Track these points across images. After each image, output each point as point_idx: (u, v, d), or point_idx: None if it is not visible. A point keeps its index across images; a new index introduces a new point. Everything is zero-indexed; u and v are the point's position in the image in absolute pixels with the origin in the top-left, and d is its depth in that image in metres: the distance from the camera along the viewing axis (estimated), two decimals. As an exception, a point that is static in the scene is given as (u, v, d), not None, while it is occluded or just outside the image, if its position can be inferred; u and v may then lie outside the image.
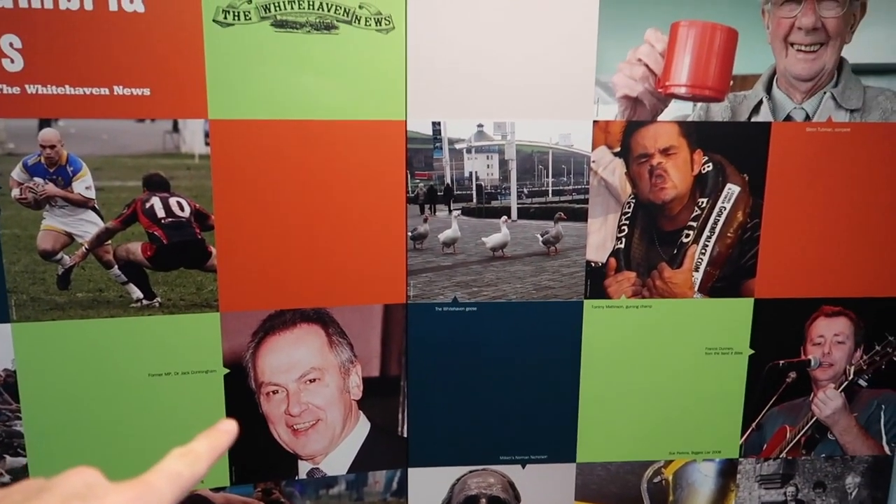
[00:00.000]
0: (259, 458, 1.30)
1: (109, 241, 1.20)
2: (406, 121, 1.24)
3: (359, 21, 1.20)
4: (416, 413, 1.33)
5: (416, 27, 1.21)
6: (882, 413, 1.40)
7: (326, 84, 1.21)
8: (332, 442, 1.31)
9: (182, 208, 1.21)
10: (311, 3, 1.18)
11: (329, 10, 1.19)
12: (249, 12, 1.17)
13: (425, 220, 1.28)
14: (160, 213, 1.20)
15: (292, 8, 1.18)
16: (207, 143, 1.20)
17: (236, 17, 1.16)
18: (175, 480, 0.35)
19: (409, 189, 1.27)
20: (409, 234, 1.28)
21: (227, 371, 1.26)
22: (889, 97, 1.28)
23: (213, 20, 1.16)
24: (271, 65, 1.19)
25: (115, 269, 1.21)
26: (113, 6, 1.12)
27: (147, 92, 1.17)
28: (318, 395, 1.29)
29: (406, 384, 1.33)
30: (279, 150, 1.22)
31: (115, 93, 1.15)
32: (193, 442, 0.38)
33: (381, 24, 1.21)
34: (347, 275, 1.28)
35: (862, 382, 1.38)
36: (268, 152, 1.22)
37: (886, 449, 1.41)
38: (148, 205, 1.20)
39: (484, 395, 1.35)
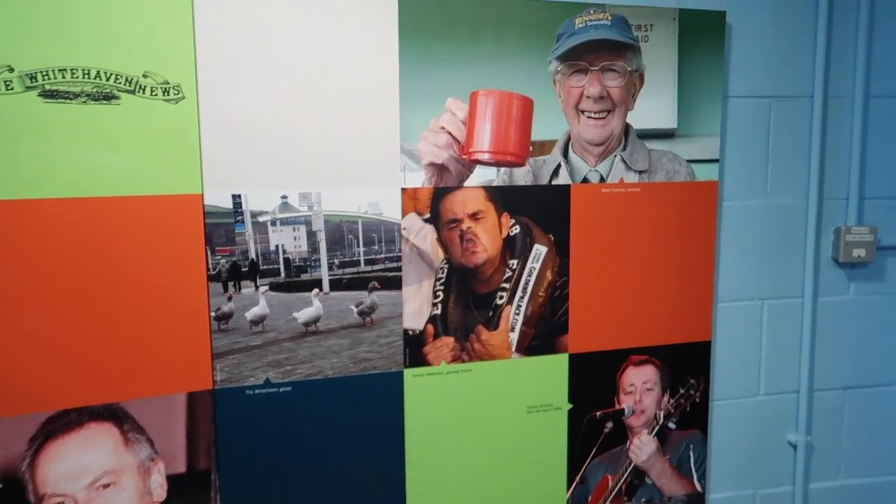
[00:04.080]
0: (43, 583, 1.13)
1: None
2: (203, 194, 1.16)
3: (143, 90, 1.12)
4: (229, 508, 1.23)
5: (209, 96, 1.15)
6: (691, 452, 1.48)
7: (109, 158, 1.11)
8: (132, 553, 1.17)
9: (-68, 304, 1.04)
10: (86, 71, 1.08)
11: (108, 80, 1.10)
12: (11, 81, 1.05)
13: (230, 299, 1.20)
14: None
15: (64, 77, 1.07)
16: (-37, 228, 1.05)
17: (-5, 87, 1.04)
18: None
19: (211, 266, 1.18)
20: (213, 314, 1.19)
21: (-3, 487, 1.09)
22: (671, 158, 1.39)
23: (-34, 90, 1.03)
24: (41, 139, 1.07)
25: None
26: None
27: None
28: (115, 502, 1.15)
29: (217, 478, 1.22)
30: (56, 230, 1.09)
31: None
32: None
33: (169, 94, 1.13)
34: (144, 364, 1.16)
35: (671, 425, 1.46)
36: (42, 234, 1.09)
37: (698, 486, 1.50)
38: None
39: (304, 480, 1.26)
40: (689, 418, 1.47)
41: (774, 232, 1.49)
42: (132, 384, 1.16)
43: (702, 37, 1.38)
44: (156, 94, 1.12)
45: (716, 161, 1.42)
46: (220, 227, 1.18)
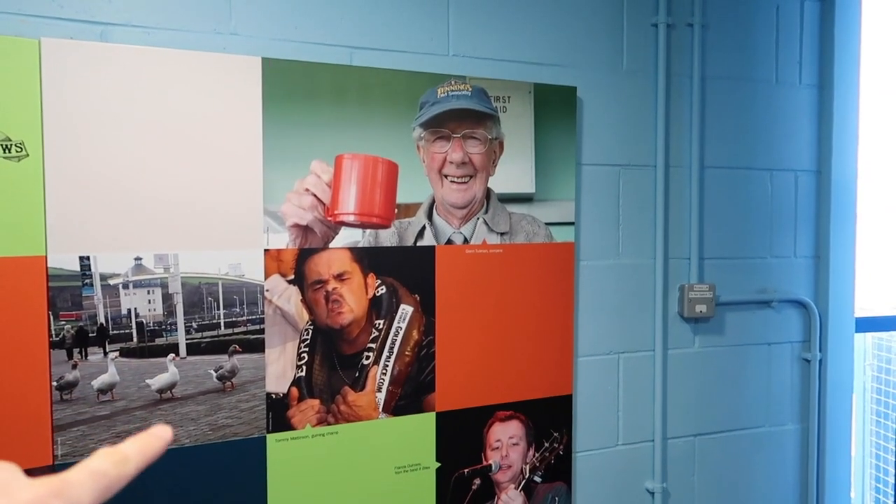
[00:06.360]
0: None
1: None
2: (46, 256, 1.10)
3: (-19, 147, 1.06)
4: None
5: (56, 154, 1.10)
6: (556, 505, 1.52)
7: (-62, 217, 1.03)
8: None
9: None
10: (-86, 125, 1.01)
11: (-60, 135, 1.03)
12: None
13: (74, 366, 1.13)
14: None
15: None
16: None
17: None
18: (99, 479, 0.33)
19: (54, 332, 1.11)
20: (55, 383, 1.11)
21: None
22: (530, 221, 1.47)
23: None
24: None
25: None
26: None
27: None
28: None
29: (55, 563, 1.12)
30: None
31: None
32: (123, 443, 0.36)
33: (10, 151, 1.08)
34: (-30, 441, 1.06)
35: (537, 479, 1.50)
36: None
37: (564, 538, 1.53)
38: None
39: (156, 558, 1.19)
40: (553, 471, 1.52)
41: (627, 289, 1.60)
42: (-44, 464, 1.05)
43: (555, 109, 1.48)
44: (-4, 151, 1.07)
45: (571, 224, 1.51)
46: (65, 291, 1.12)
